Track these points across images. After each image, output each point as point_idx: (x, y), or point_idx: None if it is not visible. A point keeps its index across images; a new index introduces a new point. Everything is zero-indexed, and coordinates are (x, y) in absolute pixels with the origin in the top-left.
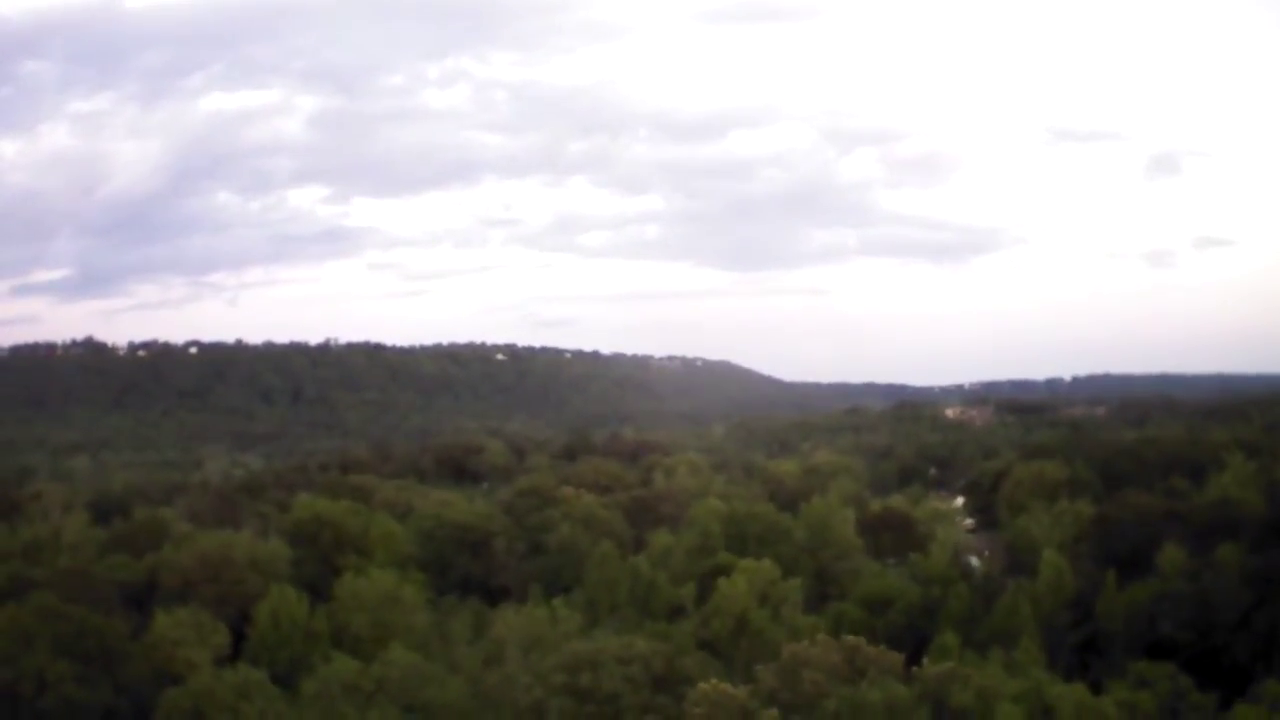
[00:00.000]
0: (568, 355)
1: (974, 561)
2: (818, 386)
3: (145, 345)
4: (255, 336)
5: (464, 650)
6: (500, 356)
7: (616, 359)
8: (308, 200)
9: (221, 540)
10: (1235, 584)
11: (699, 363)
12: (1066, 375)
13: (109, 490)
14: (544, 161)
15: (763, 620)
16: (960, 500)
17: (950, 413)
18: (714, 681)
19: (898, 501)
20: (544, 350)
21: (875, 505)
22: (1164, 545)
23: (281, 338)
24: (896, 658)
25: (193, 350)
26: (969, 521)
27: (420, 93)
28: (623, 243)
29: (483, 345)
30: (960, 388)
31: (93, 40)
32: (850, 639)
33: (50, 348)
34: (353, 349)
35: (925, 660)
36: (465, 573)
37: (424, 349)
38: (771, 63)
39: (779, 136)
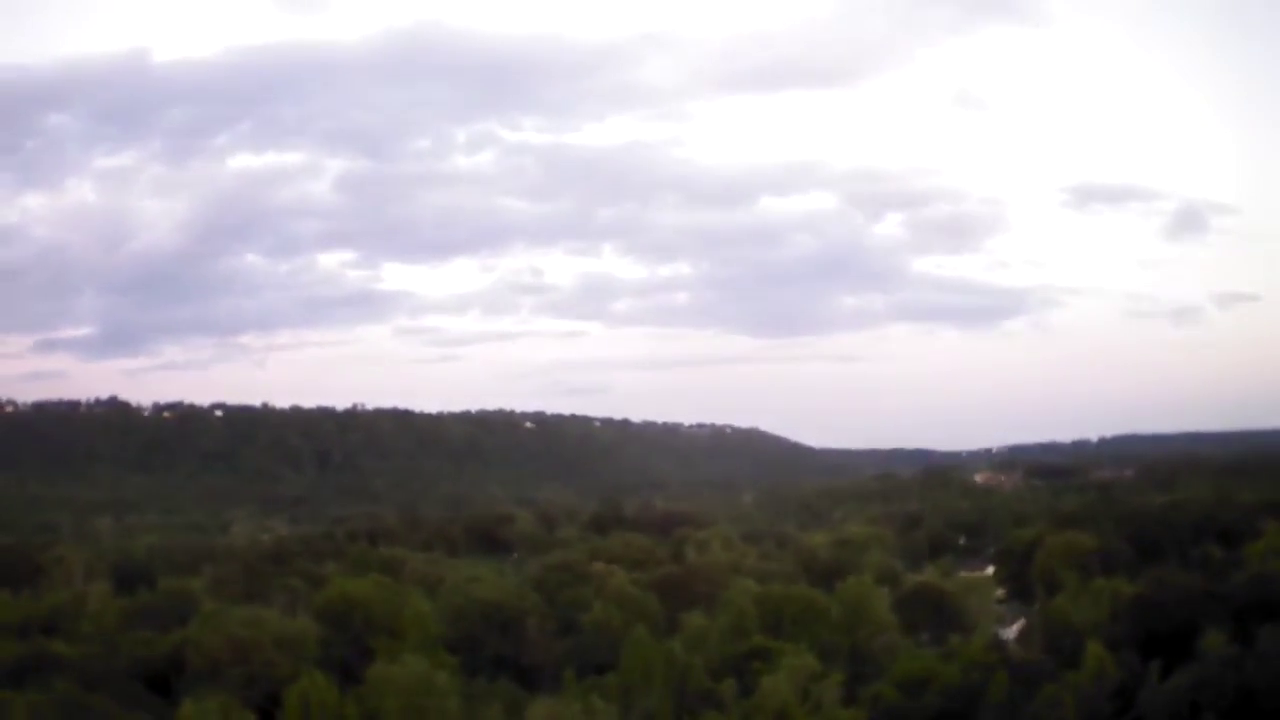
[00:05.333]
0: (596, 423)
1: (1007, 634)
2: (846, 453)
3: (170, 406)
4: (282, 400)
5: None
6: (529, 424)
7: (646, 427)
8: (336, 263)
9: (249, 618)
10: (1277, 672)
11: (728, 430)
12: (1093, 436)
13: (133, 555)
14: (573, 228)
15: (803, 716)
16: (991, 569)
17: (979, 478)
18: None
19: (930, 574)
20: (573, 418)
21: (909, 581)
22: (1205, 628)
23: (309, 401)
24: None
25: (218, 412)
26: (1000, 592)
27: (448, 157)
28: (652, 309)
29: (511, 413)
30: (988, 451)
31: (119, 96)
32: None
33: (74, 405)
34: (381, 414)
35: None
36: (496, 652)
37: (452, 415)
38: (801, 129)
39: (807, 202)
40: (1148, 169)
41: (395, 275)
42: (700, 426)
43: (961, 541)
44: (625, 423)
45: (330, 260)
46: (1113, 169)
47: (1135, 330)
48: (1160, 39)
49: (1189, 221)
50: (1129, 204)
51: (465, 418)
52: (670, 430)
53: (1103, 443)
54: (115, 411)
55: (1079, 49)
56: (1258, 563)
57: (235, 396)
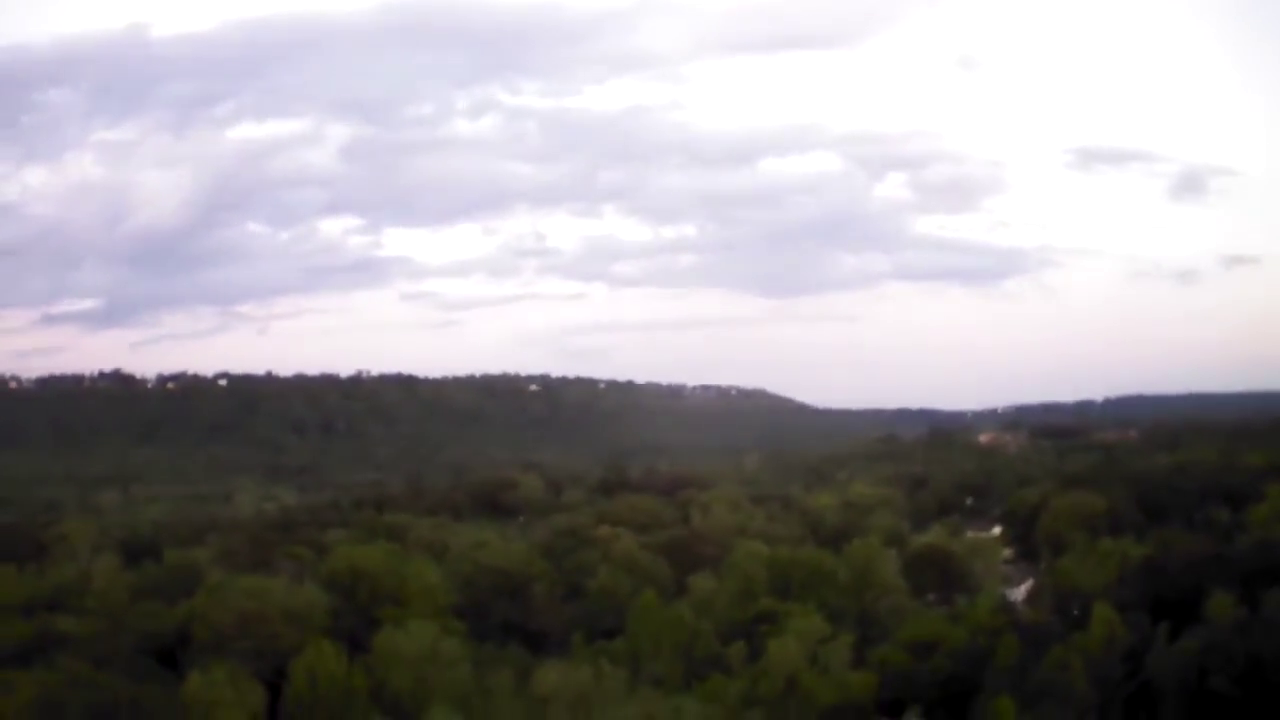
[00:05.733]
0: (601, 385)
1: (1014, 595)
2: (851, 413)
3: (174, 377)
4: (286, 368)
5: (507, 706)
6: (534, 387)
7: (650, 388)
8: (338, 230)
9: (256, 589)
10: None
11: (733, 391)
12: (1097, 397)
13: (139, 529)
14: (576, 190)
15: (812, 679)
16: (997, 529)
17: (984, 438)
18: None
19: (937, 535)
20: (577, 380)
21: (916, 543)
22: (1212, 591)
23: (312, 369)
24: None
25: (222, 382)
26: (1007, 552)
27: (450, 122)
28: (655, 271)
29: (516, 376)
30: (993, 411)
31: (119, 69)
32: None
33: (78, 379)
34: (385, 381)
35: None
36: (504, 617)
37: (457, 380)
38: (802, 90)
39: (810, 163)
40: (1150, 131)
41: (398, 241)
42: (705, 388)
43: (968, 502)
44: (630, 384)
45: (332, 227)
46: (1115, 131)
47: (1138, 291)
48: (1163, 1)
49: (1191, 184)
50: (1131, 166)
51: (469, 382)
52: (675, 391)
53: (1107, 403)
54: (119, 384)
55: (1081, 11)
56: (1263, 527)
57: (239, 366)
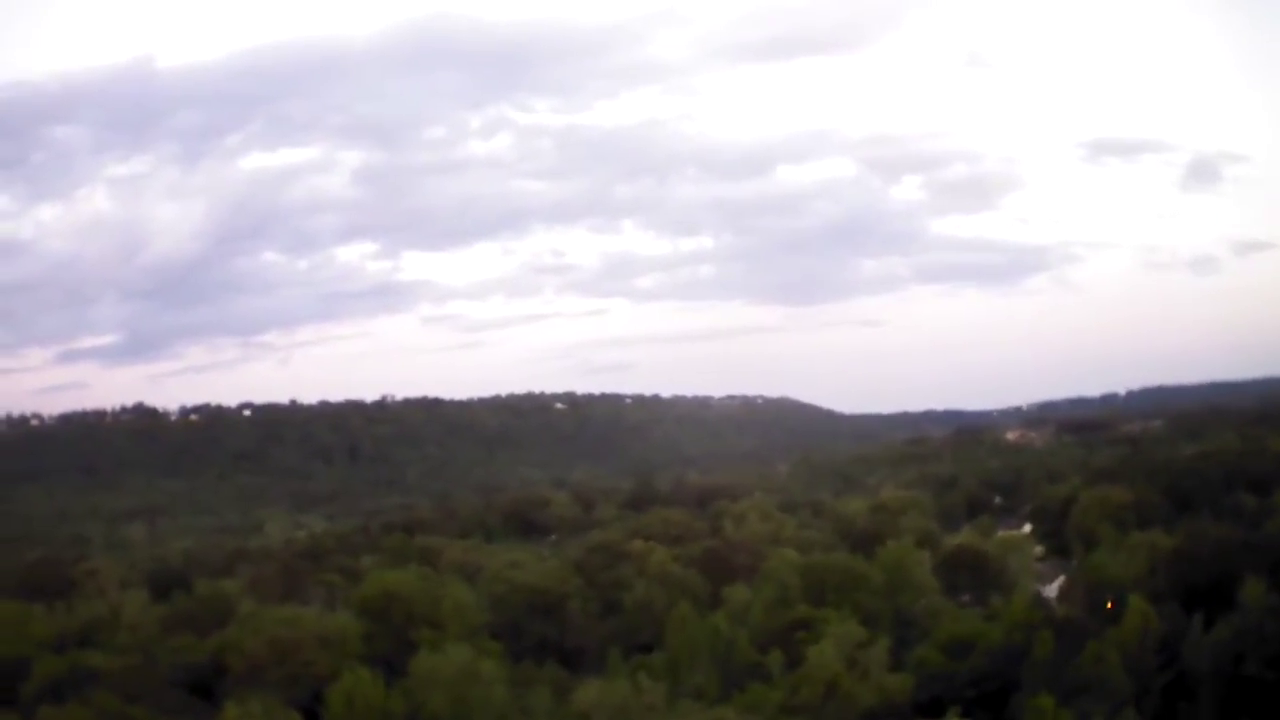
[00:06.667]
0: (627, 400)
1: (1048, 591)
2: (878, 417)
3: (197, 409)
4: (309, 396)
5: None
6: (559, 405)
7: (676, 401)
8: (356, 256)
9: (289, 618)
10: None
11: (759, 400)
12: (1121, 390)
13: (167, 562)
14: (592, 206)
15: (851, 684)
16: (1028, 527)
17: (1010, 436)
18: None
19: (969, 535)
20: (603, 397)
21: (948, 543)
22: (1244, 578)
23: (336, 396)
24: None
25: (246, 412)
26: (1038, 549)
27: (463, 143)
28: (676, 284)
29: (541, 395)
30: (1018, 409)
31: (126, 103)
32: None
33: (100, 415)
34: (410, 404)
35: None
36: (540, 636)
37: (482, 401)
38: (814, 96)
39: (826, 169)
40: (1161, 121)
41: (416, 264)
42: (730, 398)
43: (997, 501)
44: (655, 398)
45: (350, 253)
46: (1127, 122)
47: (1155, 282)
48: None
49: (1204, 172)
50: (1142, 157)
51: (495, 403)
52: (701, 403)
53: (1130, 396)
54: (142, 418)
55: (1087, 3)
56: None
57: (262, 395)
